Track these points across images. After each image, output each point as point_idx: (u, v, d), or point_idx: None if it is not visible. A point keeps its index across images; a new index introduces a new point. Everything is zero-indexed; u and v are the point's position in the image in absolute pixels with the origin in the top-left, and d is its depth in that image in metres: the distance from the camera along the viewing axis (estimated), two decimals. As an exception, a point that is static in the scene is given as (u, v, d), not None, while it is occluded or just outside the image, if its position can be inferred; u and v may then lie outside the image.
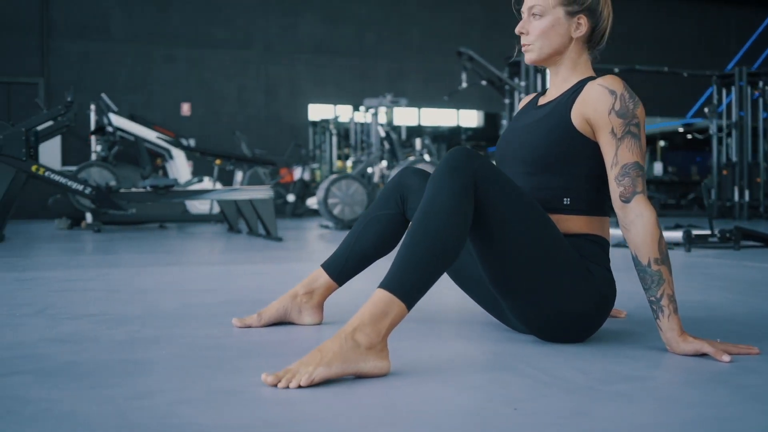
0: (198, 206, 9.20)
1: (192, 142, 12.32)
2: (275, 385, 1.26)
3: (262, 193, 5.62)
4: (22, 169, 5.08)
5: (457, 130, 15.03)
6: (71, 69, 11.67)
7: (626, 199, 1.55)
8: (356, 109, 12.36)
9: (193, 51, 12.45)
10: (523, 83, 9.00)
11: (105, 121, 9.41)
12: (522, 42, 1.72)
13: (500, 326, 1.88)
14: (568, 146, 1.62)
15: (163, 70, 12.30)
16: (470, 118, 15.40)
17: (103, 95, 10.38)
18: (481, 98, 13.75)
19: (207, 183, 8.35)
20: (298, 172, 12.34)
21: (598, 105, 1.59)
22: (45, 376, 1.36)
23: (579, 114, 1.62)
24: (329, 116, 13.51)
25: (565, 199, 1.64)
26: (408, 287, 1.36)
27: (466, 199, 1.43)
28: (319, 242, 5.54)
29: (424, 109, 14.85)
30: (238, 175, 8.18)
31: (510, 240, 1.50)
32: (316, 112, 13.61)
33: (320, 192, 7.33)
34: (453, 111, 15.05)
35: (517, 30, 1.72)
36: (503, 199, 1.48)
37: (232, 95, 12.72)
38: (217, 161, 7.80)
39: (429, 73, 13.89)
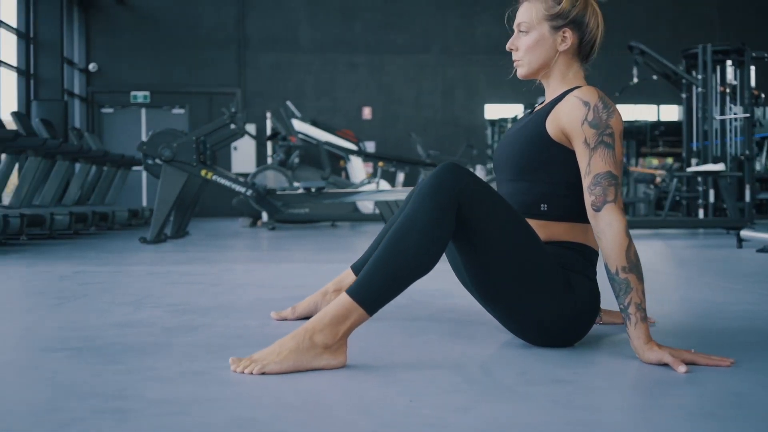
0: (368, 206, 9.66)
1: (372, 145, 12.90)
2: (236, 370, 1.46)
3: (402, 194, 5.87)
4: (193, 174, 5.70)
5: (656, 125, 14.36)
6: (264, 79, 12.66)
7: (597, 208, 1.57)
8: (529, 107, 12.26)
9: (374, 57, 13.00)
10: (700, 76, 8.49)
11: (290, 126, 10.15)
12: (513, 58, 1.79)
13: (496, 329, 1.93)
14: (543, 154, 1.67)
15: (346, 77, 12.97)
16: (671, 113, 14.63)
17: (288, 102, 11.18)
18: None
19: (373, 184, 8.76)
20: (477, 172, 12.50)
21: (572, 116, 1.62)
22: (80, 353, 1.66)
23: (554, 124, 1.66)
24: (508, 115, 13.51)
25: (542, 206, 1.68)
26: (372, 297, 1.47)
27: (445, 219, 1.48)
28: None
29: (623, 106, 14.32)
30: (400, 176, 8.50)
31: (493, 255, 1.56)
32: (496, 111, 13.65)
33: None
34: (653, 106, 14.43)
35: (507, 47, 1.79)
36: (487, 216, 1.53)
37: (410, 98, 13.12)
38: (380, 163, 8.17)
39: (611, 67, 13.38)
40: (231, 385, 1.37)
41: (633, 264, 1.53)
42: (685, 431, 1.09)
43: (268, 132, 10.55)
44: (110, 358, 1.60)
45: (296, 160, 10.09)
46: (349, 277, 2.06)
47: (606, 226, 1.55)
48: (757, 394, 1.29)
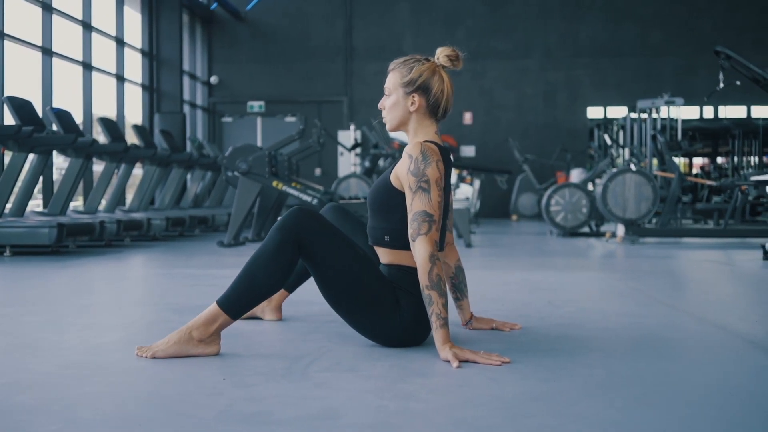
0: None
1: (471, 150, 13.27)
2: (137, 354, 2.01)
3: (458, 203, 6.28)
4: (265, 185, 6.39)
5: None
6: (369, 87, 13.32)
7: (413, 239, 2.00)
8: (633, 110, 12.19)
9: (476, 63, 13.34)
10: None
11: (386, 133, 10.73)
12: (382, 115, 2.23)
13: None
14: (386, 198, 2.10)
15: (447, 83, 13.37)
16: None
17: (386, 110, 11.75)
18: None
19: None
20: (575, 175, 12.58)
21: (402, 166, 2.06)
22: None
23: (395, 174, 2.10)
24: (614, 118, 13.45)
25: (386, 237, 2.12)
26: (233, 306, 1.98)
27: (286, 252, 1.97)
28: (509, 248, 6.02)
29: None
30: (476, 184, 8.87)
31: (331, 278, 2.03)
32: (600, 114, 13.64)
33: (543, 199, 7.71)
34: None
35: (378, 106, 2.23)
36: (324, 250, 2.00)
37: (511, 103, 13.37)
38: (456, 171, 8.59)
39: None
40: (135, 360, 1.94)
41: (434, 283, 1.95)
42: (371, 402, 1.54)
43: (352, 141, 11.17)
44: (113, 344, 2.21)
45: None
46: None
47: (417, 253, 1.98)
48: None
